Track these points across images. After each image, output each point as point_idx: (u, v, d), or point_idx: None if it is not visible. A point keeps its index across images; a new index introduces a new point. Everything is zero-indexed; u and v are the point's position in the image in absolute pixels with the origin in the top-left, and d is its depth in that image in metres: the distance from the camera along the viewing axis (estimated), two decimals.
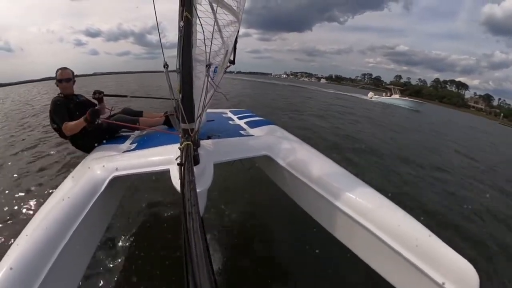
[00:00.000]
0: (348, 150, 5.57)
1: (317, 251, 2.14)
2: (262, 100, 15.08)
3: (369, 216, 1.15)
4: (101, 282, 1.87)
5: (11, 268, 0.92)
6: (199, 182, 1.10)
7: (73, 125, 1.98)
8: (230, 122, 2.86)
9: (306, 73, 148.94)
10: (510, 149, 11.29)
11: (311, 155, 1.70)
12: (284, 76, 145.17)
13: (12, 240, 2.16)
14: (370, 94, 29.32)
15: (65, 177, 1.81)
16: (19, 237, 1.12)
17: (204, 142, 1.55)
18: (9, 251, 1.03)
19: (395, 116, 15.51)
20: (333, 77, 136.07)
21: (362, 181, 1.39)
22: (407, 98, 25.81)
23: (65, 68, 2.25)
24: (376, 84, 79.89)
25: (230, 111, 3.45)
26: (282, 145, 1.77)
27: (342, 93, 32.18)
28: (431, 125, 14.01)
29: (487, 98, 79.76)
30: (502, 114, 57.93)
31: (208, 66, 1.25)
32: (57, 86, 2.22)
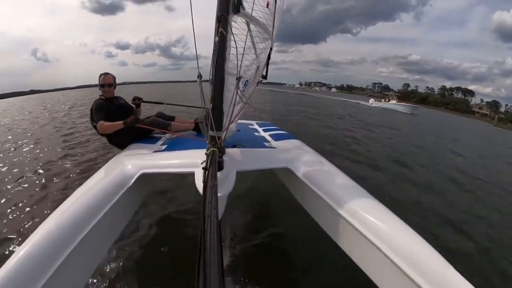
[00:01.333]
0: None
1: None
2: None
3: (380, 236, 1.13)
4: (110, 274, 1.96)
5: (36, 245, 1.02)
6: (221, 187, 1.14)
7: (108, 125, 2.16)
8: (255, 133, 2.93)
9: (319, 83, 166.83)
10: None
11: (331, 172, 1.70)
12: (297, 85, 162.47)
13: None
14: (371, 100, 33.03)
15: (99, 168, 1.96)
16: (50, 216, 1.23)
17: (229, 150, 1.61)
18: (38, 228, 1.13)
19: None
20: (345, 86, 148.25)
21: (379, 201, 1.36)
22: (403, 103, 28.66)
23: (107, 74, 2.44)
24: (385, 92, 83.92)
25: (256, 123, 3.56)
26: (303, 159, 1.79)
27: (344, 99, 36.56)
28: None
29: (494, 104, 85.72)
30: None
31: (239, 79, 1.32)
32: (100, 89, 2.40)
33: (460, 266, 0.98)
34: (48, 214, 1.26)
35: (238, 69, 1.32)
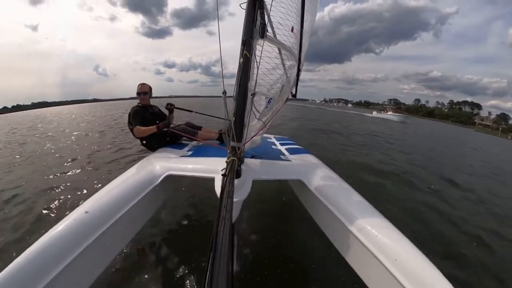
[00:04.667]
0: None
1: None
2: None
3: (386, 253, 1.15)
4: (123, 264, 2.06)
5: (64, 229, 1.17)
6: (237, 193, 1.24)
7: (144, 130, 2.41)
8: (273, 146, 3.06)
9: (341, 99, 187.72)
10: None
11: (342, 188, 1.73)
12: (318, 101, 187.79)
13: None
14: (374, 112, 40.06)
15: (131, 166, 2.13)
16: (82, 205, 1.40)
17: (247, 160, 1.72)
18: (70, 214, 1.30)
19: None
20: (363, 102, 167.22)
21: (388, 220, 1.37)
22: (397, 114, 33.80)
23: (144, 84, 2.74)
24: (398, 106, 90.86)
25: (274, 137, 3.72)
26: (315, 173, 1.85)
27: (353, 111, 43.55)
28: None
29: (503, 117, 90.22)
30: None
31: (253, 95, 1.44)
32: (138, 97, 2.70)
33: None
34: None
35: (254, 86, 1.45)
